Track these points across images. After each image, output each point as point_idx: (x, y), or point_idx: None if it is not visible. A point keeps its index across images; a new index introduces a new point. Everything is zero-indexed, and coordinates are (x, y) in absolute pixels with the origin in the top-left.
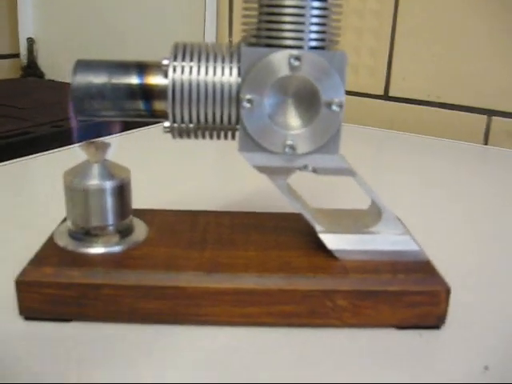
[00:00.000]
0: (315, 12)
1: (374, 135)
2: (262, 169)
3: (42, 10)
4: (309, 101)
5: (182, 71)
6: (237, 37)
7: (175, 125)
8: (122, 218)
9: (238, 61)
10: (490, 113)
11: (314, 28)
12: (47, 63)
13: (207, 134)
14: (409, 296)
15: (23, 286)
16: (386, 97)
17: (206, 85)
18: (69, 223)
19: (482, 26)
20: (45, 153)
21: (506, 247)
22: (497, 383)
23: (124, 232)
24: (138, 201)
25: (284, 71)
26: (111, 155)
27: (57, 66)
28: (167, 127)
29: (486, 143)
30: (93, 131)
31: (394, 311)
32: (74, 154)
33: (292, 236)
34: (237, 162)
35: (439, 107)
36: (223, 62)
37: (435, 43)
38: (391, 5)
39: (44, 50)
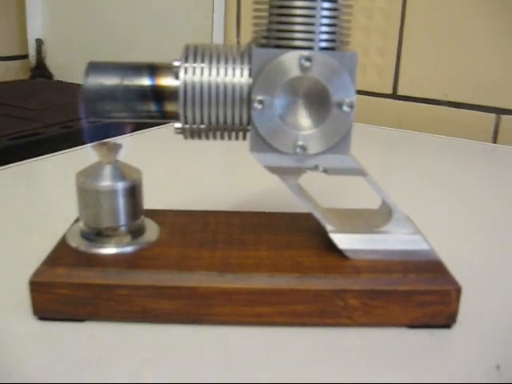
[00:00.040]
0: (325, 13)
1: (382, 134)
2: (273, 169)
3: (50, 12)
4: (319, 101)
5: (194, 72)
6: (245, 37)
7: (187, 126)
8: (134, 219)
9: (249, 62)
10: (499, 111)
11: (325, 29)
12: (56, 64)
13: (218, 134)
14: (420, 295)
15: (37, 286)
16: (394, 96)
17: (217, 86)
18: (81, 224)
19: (490, 25)
20: (54, 154)
21: None
22: (509, 383)
23: (136, 232)
24: (150, 201)
25: (295, 72)
26: (122, 156)
27: (65, 67)
28: (179, 128)
29: (495, 142)
30: (103, 132)
31: (405, 310)
32: (85, 155)
33: (303, 236)
34: (247, 162)
35: (448, 106)
36: (234, 63)
37: (443, 42)
38: (399, 4)
39: (52, 51)
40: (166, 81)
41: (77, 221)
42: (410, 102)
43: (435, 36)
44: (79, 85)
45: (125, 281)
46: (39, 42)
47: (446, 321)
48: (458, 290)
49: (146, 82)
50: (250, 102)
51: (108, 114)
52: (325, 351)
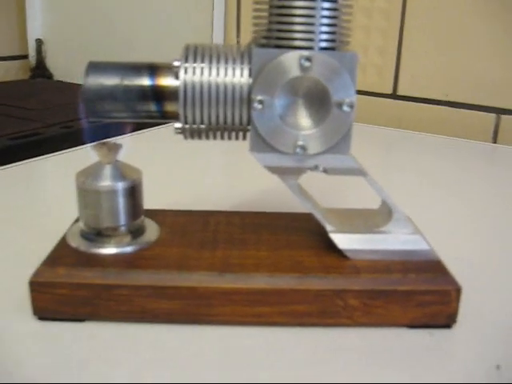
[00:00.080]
0: (325, 13)
1: (382, 134)
2: (273, 169)
3: (50, 12)
4: (319, 101)
5: (194, 72)
6: (245, 37)
7: (187, 126)
8: (134, 219)
9: (249, 62)
10: (499, 111)
11: (325, 29)
12: (56, 64)
13: (218, 134)
14: (419, 295)
15: (37, 286)
16: (394, 95)
17: (217, 86)
18: (81, 224)
19: (490, 25)
20: (54, 154)
21: None
22: (509, 383)
23: (136, 232)
24: (150, 201)
25: (295, 72)
26: (122, 156)
27: (65, 67)
28: (179, 128)
29: (495, 141)
30: (103, 132)
31: (405, 310)
32: (85, 155)
33: (303, 236)
34: (247, 162)
35: (448, 106)
36: (234, 63)
37: (444, 41)
38: (399, 3)
39: (52, 52)
40: (166, 81)
41: (77, 221)
42: (410, 102)
43: (435, 36)
44: (79, 85)
45: (125, 281)
46: (39, 42)
47: (446, 321)
48: (458, 290)
49: (146, 82)
50: (250, 101)
51: (108, 114)
52: (325, 351)
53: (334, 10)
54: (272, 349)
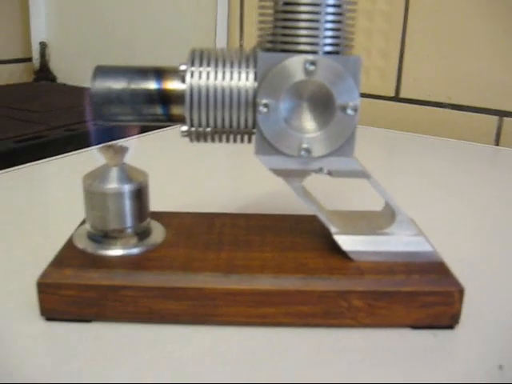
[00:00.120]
0: (330, 18)
1: (385, 136)
2: (277, 172)
3: (54, 15)
4: (324, 105)
5: (200, 76)
6: (248, 41)
7: (193, 129)
8: (140, 221)
9: (254, 66)
10: (502, 114)
11: (329, 33)
12: (59, 67)
13: (224, 137)
14: (423, 296)
15: (44, 287)
16: (397, 98)
17: (223, 90)
18: (88, 226)
19: (493, 27)
20: (58, 156)
21: None
22: None
23: (142, 234)
24: (156, 203)
25: (299, 76)
26: (128, 158)
27: (69, 70)
28: (185, 131)
29: (497, 144)
30: (110, 134)
31: (409, 311)
32: (89, 158)
33: (307, 237)
34: (252, 164)
35: (450, 108)
36: (239, 67)
37: (446, 44)
38: (401, 6)
39: (56, 54)
40: (173, 84)
41: (83, 223)
42: (413, 105)
43: (437, 38)
44: (83, 87)
45: (131, 282)
46: (43, 45)
47: (450, 321)
48: (461, 291)
49: (152, 85)
50: (255, 105)
51: (115, 118)
52: (329, 352)
53: (338, 14)
54: (277, 349)
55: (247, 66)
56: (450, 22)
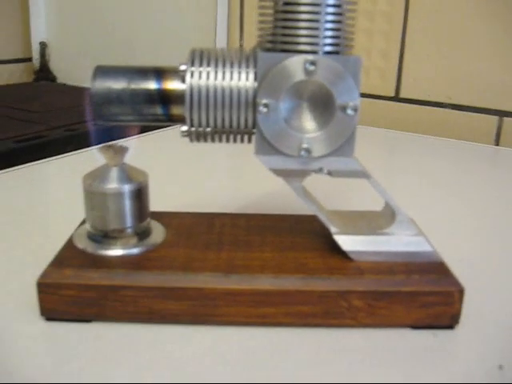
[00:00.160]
0: (330, 18)
1: (385, 136)
2: (277, 172)
3: (54, 15)
4: (324, 105)
5: (200, 76)
6: (248, 40)
7: (193, 129)
8: (140, 221)
9: (254, 66)
10: (502, 114)
11: (329, 33)
12: (59, 67)
13: (224, 137)
14: (423, 296)
15: (44, 287)
16: (397, 98)
17: (223, 90)
18: (88, 226)
19: (493, 27)
20: (58, 156)
21: None
22: None
23: (142, 234)
24: (156, 203)
25: (299, 76)
26: (128, 158)
27: (69, 70)
28: (185, 131)
29: (497, 144)
30: (109, 134)
31: (409, 311)
32: (89, 158)
33: (307, 237)
34: (252, 164)
35: (450, 108)
36: (239, 67)
37: (446, 44)
38: (401, 6)
39: (56, 54)
40: (173, 84)
41: (83, 222)
42: (413, 105)
43: (438, 38)
44: (83, 87)
45: (131, 282)
46: (43, 45)
47: (450, 321)
48: (461, 291)
49: (152, 85)
50: (255, 105)
51: (115, 118)
52: (329, 352)
53: (338, 14)
54: (277, 349)
55: (247, 66)
56: (449, 22)
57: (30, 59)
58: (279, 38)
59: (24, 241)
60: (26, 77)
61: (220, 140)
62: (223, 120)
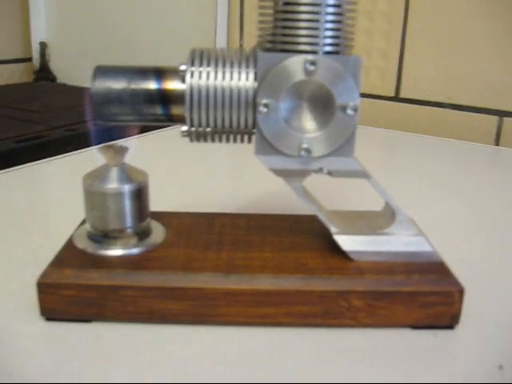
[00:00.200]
0: (330, 18)
1: (385, 136)
2: (277, 172)
3: (54, 15)
4: (324, 105)
5: (200, 76)
6: (248, 39)
7: (193, 129)
8: (140, 221)
9: (254, 66)
10: (502, 114)
11: (329, 33)
12: (59, 67)
13: (224, 137)
14: (423, 296)
15: (44, 287)
16: (397, 98)
17: (223, 90)
18: (88, 226)
19: (493, 27)
20: (58, 156)
21: None
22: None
23: (142, 234)
24: (156, 203)
25: (299, 76)
26: (128, 158)
27: (69, 70)
28: (185, 131)
29: (497, 144)
30: (109, 134)
31: (409, 311)
32: (89, 158)
33: (307, 237)
34: (252, 164)
35: (450, 108)
36: (239, 67)
37: (446, 44)
38: (401, 6)
39: (56, 54)
40: (173, 84)
41: (83, 223)
42: (413, 105)
43: (438, 38)
44: (83, 87)
45: (131, 282)
46: (43, 45)
47: (450, 321)
48: (461, 291)
49: (152, 85)
50: (255, 105)
51: (115, 118)
52: (329, 352)
53: (338, 14)
54: (277, 349)
55: (247, 66)
56: (449, 22)
57: (30, 59)
58: (279, 38)
59: (24, 241)
60: (26, 77)
61: (220, 140)
62: (223, 120)
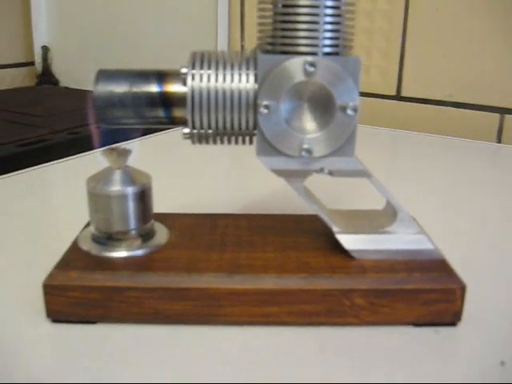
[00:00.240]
0: (329, 19)
1: (387, 135)
2: (279, 172)
3: (56, 19)
4: (324, 105)
5: (201, 79)
6: (249, 40)
7: (194, 131)
8: (144, 223)
9: (255, 68)
10: (503, 111)
11: (328, 35)
12: (61, 70)
13: (225, 139)
14: (425, 294)
15: (50, 289)
16: (398, 97)
17: (224, 92)
18: (92, 228)
19: (493, 25)
20: (61, 160)
21: None
22: None
23: (146, 236)
24: (159, 205)
25: (299, 77)
26: (131, 160)
27: (71, 74)
28: (187, 133)
29: (499, 141)
30: (112, 137)
31: (411, 309)
32: (93, 161)
33: (309, 237)
34: (254, 165)
35: (452, 106)
36: (240, 69)
37: (446, 42)
38: (401, 5)
39: (58, 58)
40: (174, 87)
41: (88, 225)
42: (414, 103)
43: (438, 37)
44: (85, 91)
45: (136, 283)
46: (45, 49)
47: (452, 319)
48: (463, 289)
49: (154, 88)
50: (256, 106)
51: (117, 121)
52: (332, 350)
53: (337, 15)
54: (280, 348)
55: (247, 68)
56: (450, 20)
57: (32, 63)
58: (279, 40)
59: (29, 243)
60: (28, 81)
61: (222, 142)
62: (224, 122)
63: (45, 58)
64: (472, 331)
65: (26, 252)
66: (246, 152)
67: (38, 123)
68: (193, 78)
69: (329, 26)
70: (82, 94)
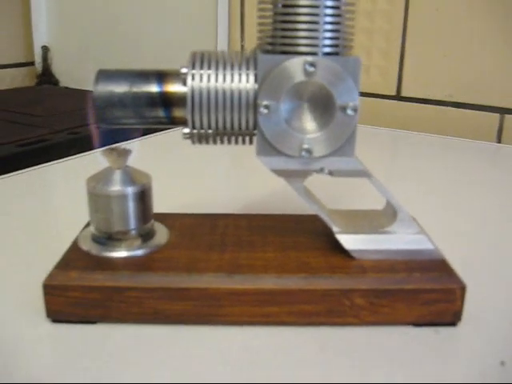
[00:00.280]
0: (329, 19)
1: (387, 135)
2: (279, 172)
3: (56, 19)
4: (324, 105)
5: (201, 79)
6: (249, 41)
7: (194, 131)
8: (144, 223)
9: (254, 68)
10: (503, 111)
11: (328, 35)
12: (61, 70)
13: (225, 139)
14: (425, 294)
15: (50, 289)
16: (398, 97)
17: (224, 92)
18: (92, 228)
19: (493, 25)
20: (61, 160)
21: None
22: None
23: (146, 236)
24: (159, 205)
25: (299, 77)
26: (131, 160)
27: (71, 74)
28: (187, 133)
29: (499, 141)
30: (112, 137)
31: (411, 309)
32: (93, 161)
33: (309, 237)
34: (254, 165)
35: (452, 106)
36: (240, 69)
37: (446, 42)
38: (401, 5)
39: (58, 58)
40: (174, 87)
41: (88, 225)
42: (414, 103)
43: (438, 37)
44: (85, 91)
45: (136, 283)
46: (45, 49)
47: (452, 318)
48: (463, 288)
49: (154, 88)
50: (256, 106)
51: (118, 121)
52: (332, 350)
53: (337, 15)
54: (280, 348)
55: (247, 68)
56: (450, 20)
57: (32, 63)
58: (279, 40)
59: (29, 243)
60: (28, 81)
61: (222, 142)
62: (224, 122)
63: (45, 58)
64: (472, 331)
65: (26, 252)
66: (246, 152)
67: (38, 123)
68: (193, 78)
69: (329, 26)
70: (81, 94)
